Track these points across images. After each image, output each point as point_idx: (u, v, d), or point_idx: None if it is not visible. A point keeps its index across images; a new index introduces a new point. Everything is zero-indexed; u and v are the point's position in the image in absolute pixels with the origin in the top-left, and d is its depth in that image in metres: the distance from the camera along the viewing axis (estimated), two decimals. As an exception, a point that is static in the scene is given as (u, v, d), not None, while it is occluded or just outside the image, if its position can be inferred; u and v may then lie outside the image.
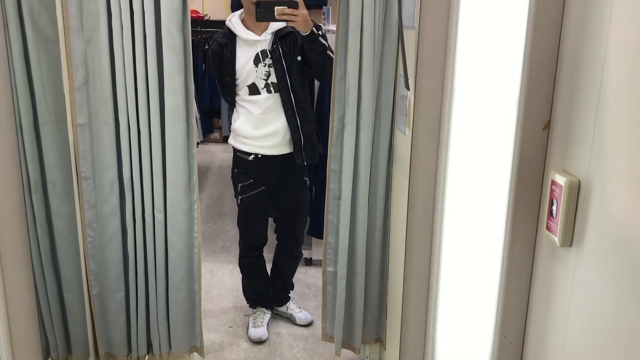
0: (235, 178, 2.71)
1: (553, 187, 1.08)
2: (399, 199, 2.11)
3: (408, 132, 1.92)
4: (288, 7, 2.25)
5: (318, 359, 2.69)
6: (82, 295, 2.24)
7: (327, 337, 2.51)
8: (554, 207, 1.07)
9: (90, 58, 2.02)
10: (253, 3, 2.30)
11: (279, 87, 2.51)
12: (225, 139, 6.19)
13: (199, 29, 5.91)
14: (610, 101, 0.93)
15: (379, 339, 2.50)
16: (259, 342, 2.80)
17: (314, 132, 2.65)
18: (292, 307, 3.01)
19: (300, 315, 2.98)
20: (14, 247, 1.91)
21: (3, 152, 1.86)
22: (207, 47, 5.69)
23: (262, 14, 2.26)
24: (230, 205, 4.67)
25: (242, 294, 3.01)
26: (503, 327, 1.27)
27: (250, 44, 2.51)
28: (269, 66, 2.50)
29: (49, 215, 2.13)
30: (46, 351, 2.26)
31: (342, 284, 2.36)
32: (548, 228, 1.11)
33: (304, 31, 2.36)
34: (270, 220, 3.07)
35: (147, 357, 2.39)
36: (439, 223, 1.81)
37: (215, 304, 3.15)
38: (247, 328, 2.88)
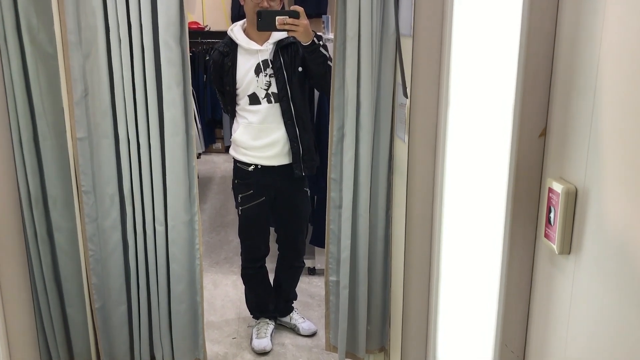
0: (236, 189, 2.71)
1: (550, 194, 1.07)
2: (400, 208, 2.11)
3: (407, 140, 1.92)
4: (289, 17, 2.25)
5: (322, 369, 2.68)
6: (84, 309, 2.24)
7: (331, 347, 2.50)
8: (552, 215, 1.07)
9: (89, 72, 2.03)
10: (255, 13, 2.31)
11: (279, 97, 2.52)
12: (227, 149, 6.20)
13: (199, 40, 5.94)
14: (604, 108, 0.93)
15: (383, 349, 2.48)
16: (263, 353, 2.79)
17: (313, 143, 2.65)
18: (295, 318, 3.00)
19: (304, 325, 2.97)
20: (11, 263, 1.91)
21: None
22: (208, 57, 5.73)
23: (264, 24, 2.27)
24: (233, 216, 4.67)
25: (245, 305, 3.00)
26: (504, 336, 1.26)
27: (252, 54, 2.51)
28: (269, 76, 2.51)
29: (50, 229, 2.14)
30: (49, 366, 2.26)
31: (344, 293, 2.35)
32: (546, 236, 1.10)
33: (305, 41, 2.36)
34: (272, 230, 3.07)
35: (150, 370, 2.38)
36: (438, 231, 1.80)
37: (219, 316, 3.14)
38: (251, 339, 2.87)
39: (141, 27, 1.99)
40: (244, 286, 2.95)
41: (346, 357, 2.44)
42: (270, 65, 2.50)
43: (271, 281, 2.97)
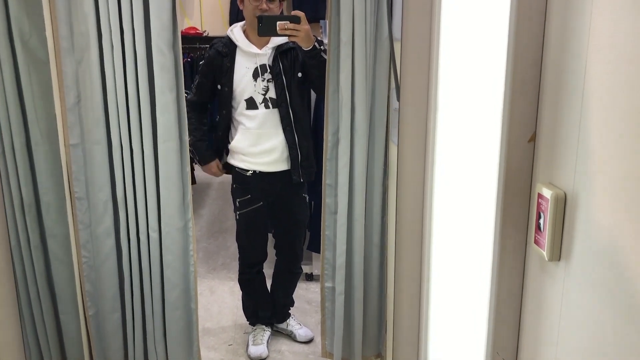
0: (234, 193, 2.70)
1: (540, 200, 1.06)
2: (394, 214, 2.09)
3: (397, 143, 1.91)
4: (290, 22, 2.24)
5: (319, 376, 2.66)
6: (77, 317, 2.23)
7: (327, 354, 2.48)
8: (542, 221, 1.05)
9: (81, 78, 2.02)
10: (256, 17, 2.30)
11: (278, 103, 2.50)
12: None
13: (197, 46, 5.92)
14: (592, 112, 0.91)
15: (379, 355, 2.47)
16: None
17: (311, 149, 2.64)
18: (292, 324, 2.98)
19: (301, 332, 2.95)
20: None
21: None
22: (202, 61, 5.72)
23: (264, 29, 2.25)
24: (231, 222, 4.65)
25: (242, 311, 2.99)
26: (495, 343, 1.25)
27: (250, 57, 2.50)
28: (267, 81, 2.50)
29: (43, 236, 2.13)
30: (43, 373, 2.24)
31: (340, 299, 2.34)
32: (536, 242, 1.08)
33: (306, 46, 2.35)
34: (270, 236, 3.05)
35: (144, 377, 2.36)
36: (428, 237, 1.78)
37: (215, 322, 3.13)
38: (247, 346, 2.85)
39: (134, 33, 1.98)
40: (241, 292, 2.93)
41: (342, 363, 2.43)
42: (269, 70, 2.49)
43: (269, 287, 2.95)
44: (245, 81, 2.50)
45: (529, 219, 1.15)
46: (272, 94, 2.51)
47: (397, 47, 1.90)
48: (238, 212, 2.69)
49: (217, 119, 2.73)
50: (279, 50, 2.50)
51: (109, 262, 2.19)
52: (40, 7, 1.92)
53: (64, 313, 2.21)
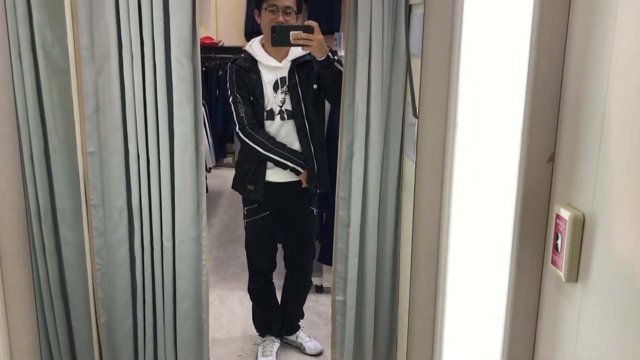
0: (243, 201, 2.71)
1: (558, 221, 1.06)
2: (408, 228, 2.09)
3: (415, 159, 1.91)
4: (303, 32, 2.26)
5: (327, 389, 2.65)
6: (90, 323, 2.24)
7: (337, 367, 2.47)
8: (559, 242, 1.05)
9: (100, 87, 2.04)
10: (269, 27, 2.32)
11: (294, 115, 2.52)
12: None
13: (212, 55, 5.97)
14: (612, 134, 0.92)
15: (389, 370, 2.46)
16: (268, 371, 2.77)
17: (326, 160, 2.65)
18: (302, 336, 2.98)
19: (310, 344, 2.94)
20: (16, 277, 1.92)
21: (7, 183, 1.89)
22: (221, 72, 5.76)
23: (278, 39, 2.27)
24: (242, 231, 4.64)
25: (252, 321, 2.99)
26: (510, 363, 1.24)
27: (271, 70, 2.52)
28: (285, 93, 2.52)
29: (58, 243, 2.14)
30: (53, 379, 2.25)
31: (351, 313, 2.33)
32: (553, 263, 1.08)
33: (320, 56, 2.36)
34: (280, 247, 3.06)
35: (154, 386, 2.37)
36: (445, 255, 1.78)
37: (225, 332, 3.13)
38: (256, 357, 2.85)
39: (153, 44, 2.00)
40: (251, 303, 2.94)
41: (352, 377, 2.42)
42: (287, 83, 2.51)
43: (279, 299, 2.95)
44: (268, 93, 2.53)
45: (546, 239, 1.15)
46: (287, 105, 2.52)
47: (415, 62, 1.90)
48: (245, 220, 2.71)
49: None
50: (295, 63, 2.52)
51: (122, 269, 2.21)
52: (63, 17, 1.94)
53: (76, 319, 2.22)
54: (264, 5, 2.44)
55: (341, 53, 3.33)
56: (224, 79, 2.63)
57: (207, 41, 6.27)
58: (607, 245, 0.93)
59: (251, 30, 6.19)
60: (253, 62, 2.54)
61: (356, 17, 2.04)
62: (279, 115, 2.53)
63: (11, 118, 1.94)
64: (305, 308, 3.01)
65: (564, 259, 1.03)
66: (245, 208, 2.69)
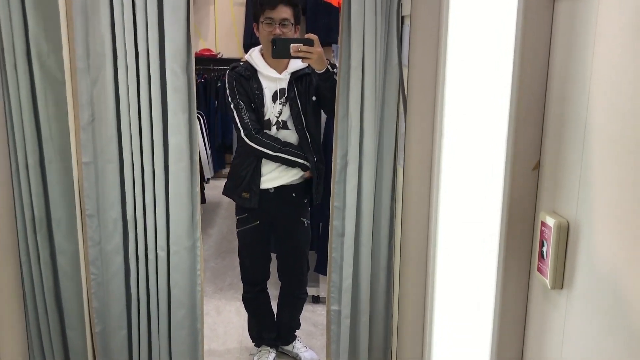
0: (236, 209, 2.73)
1: (543, 228, 1.07)
2: (398, 236, 2.09)
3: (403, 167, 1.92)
4: (303, 45, 2.28)
5: (323, 399, 2.64)
6: (84, 333, 2.24)
7: (332, 377, 2.46)
8: (544, 249, 1.06)
9: (96, 98, 2.06)
10: (269, 41, 2.34)
11: (291, 126, 2.54)
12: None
13: (211, 67, 6.01)
14: (594, 143, 0.93)
15: (384, 380, 2.45)
16: (264, 381, 2.76)
17: (324, 171, 2.67)
18: (298, 346, 2.97)
19: (306, 354, 2.94)
20: (5, 287, 1.92)
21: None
22: (220, 84, 5.79)
23: (278, 51, 2.29)
24: (240, 241, 4.66)
25: (248, 332, 2.98)
26: (498, 371, 1.24)
27: (271, 80, 2.54)
28: (282, 104, 2.54)
29: (53, 252, 2.15)
30: (47, 390, 2.25)
31: (346, 323, 2.33)
32: (539, 270, 1.09)
33: (319, 69, 2.38)
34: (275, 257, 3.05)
35: (148, 396, 2.36)
36: (432, 263, 1.78)
37: (220, 343, 3.12)
38: (252, 367, 2.85)
39: (148, 55, 2.02)
40: (247, 313, 2.93)
41: (346, 387, 2.41)
42: (286, 95, 2.53)
43: (274, 309, 2.95)
44: (267, 103, 2.54)
45: (532, 247, 1.15)
46: (284, 116, 2.54)
47: (407, 73, 1.92)
48: (237, 230, 2.73)
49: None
50: (294, 76, 2.54)
51: (117, 279, 2.21)
52: (59, 28, 1.96)
53: (70, 329, 2.22)
54: (262, 19, 2.46)
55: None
56: (223, 90, 2.64)
57: (206, 53, 6.31)
58: (591, 252, 0.94)
59: (250, 42, 6.22)
60: (253, 71, 2.56)
61: (349, 29, 2.06)
62: (275, 126, 2.55)
63: (1, 128, 1.95)
64: (301, 318, 3.01)
65: (549, 266, 1.04)
66: (237, 217, 2.70)
